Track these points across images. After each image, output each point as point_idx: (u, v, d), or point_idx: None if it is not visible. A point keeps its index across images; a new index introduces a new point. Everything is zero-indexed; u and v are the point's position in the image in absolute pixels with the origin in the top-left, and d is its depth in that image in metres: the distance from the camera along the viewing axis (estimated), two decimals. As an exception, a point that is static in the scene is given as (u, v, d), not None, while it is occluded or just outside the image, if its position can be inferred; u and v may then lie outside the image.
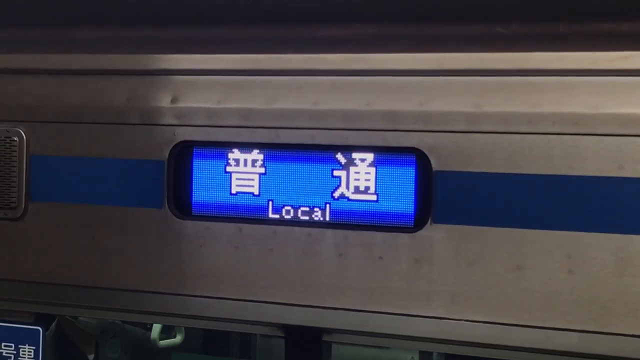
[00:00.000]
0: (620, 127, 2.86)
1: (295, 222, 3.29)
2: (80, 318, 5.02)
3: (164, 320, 4.45)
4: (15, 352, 3.75)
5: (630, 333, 2.83)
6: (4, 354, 3.76)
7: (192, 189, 3.44)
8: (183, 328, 5.21)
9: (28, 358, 3.75)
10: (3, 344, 3.77)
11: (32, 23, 3.81)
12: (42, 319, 3.91)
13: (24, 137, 3.60)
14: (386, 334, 3.21)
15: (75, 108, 3.57)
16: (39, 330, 3.76)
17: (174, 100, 3.43)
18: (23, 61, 3.71)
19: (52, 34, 3.75)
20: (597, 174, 2.90)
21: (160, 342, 5.33)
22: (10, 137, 3.60)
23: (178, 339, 5.35)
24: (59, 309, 3.98)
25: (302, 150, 3.27)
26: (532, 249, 2.98)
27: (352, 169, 3.21)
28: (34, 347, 3.74)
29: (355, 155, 3.21)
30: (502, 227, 3.01)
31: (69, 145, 3.58)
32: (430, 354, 4.42)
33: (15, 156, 3.60)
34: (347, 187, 3.22)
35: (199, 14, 3.58)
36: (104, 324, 5.19)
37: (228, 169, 3.37)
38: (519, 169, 2.98)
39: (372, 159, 3.18)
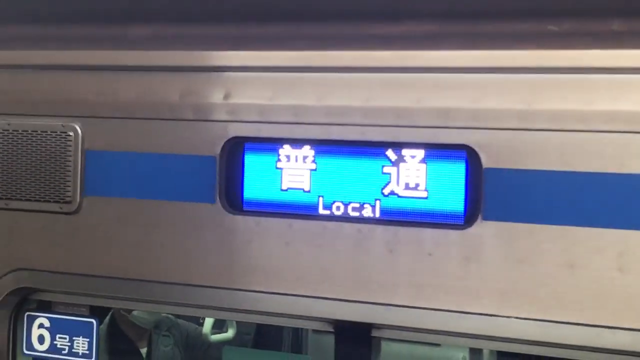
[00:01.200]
0: None
1: (345, 219, 3.29)
2: (134, 312, 5.10)
3: (215, 314, 4.54)
4: (69, 344, 3.78)
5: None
6: (58, 345, 3.79)
7: (243, 184, 3.46)
8: (235, 323, 5.27)
9: (82, 350, 3.76)
10: (58, 335, 3.79)
11: (88, 20, 3.82)
12: (96, 312, 3.93)
13: (79, 132, 3.62)
14: (436, 330, 3.21)
15: (129, 104, 3.60)
16: (93, 322, 3.80)
17: (226, 96, 3.45)
18: (79, 58, 3.71)
19: (107, 32, 3.75)
20: None
21: (212, 336, 5.46)
22: (66, 132, 3.62)
23: (230, 333, 5.44)
24: (112, 301, 4.04)
25: (352, 146, 3.27)
26: (583, 247, 2.95)
27: (402, 165, 3.21)
28: (87, 339, 3.77)
29: (405, 152, 3.21)
30: (553, 224, 2.98)
31: (123, 141, 3.61)
32: (480, 351, 4.40)
33: (71, 151, 3.63)
34: (397, 184, 3.21)
35: (251, 11, 3.58)
36: (157, 318, 5.31)
37: (279, 164, 3.39)
38: (571, 166, 2.96)
39: (422, 156, 3.19)
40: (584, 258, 2.95)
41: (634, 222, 2.88)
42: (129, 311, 5.16)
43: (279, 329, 5.59)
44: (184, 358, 5.56)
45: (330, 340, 3.82)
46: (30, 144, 3.70)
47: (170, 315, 5.39)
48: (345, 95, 3.32)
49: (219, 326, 5.53)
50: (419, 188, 3.19)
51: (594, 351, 2.99)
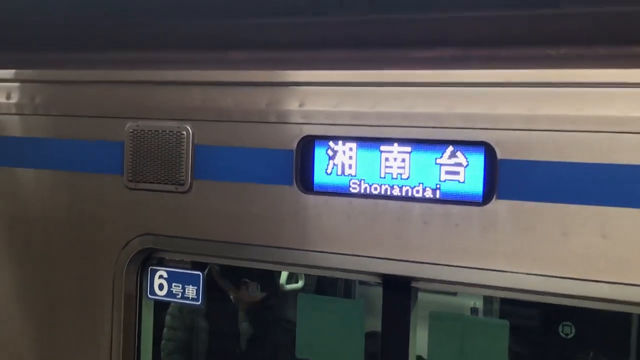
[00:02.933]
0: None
1: (389, 197, 3.28)
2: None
3: (291, 269, 4.58)
4: (182, 290, 3.83)
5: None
6: (173, 291, 3.84)
7: (313, 171, 3.45)
8: (303, 275, 5.31)
9: (191, 295, 3.82)
10: (173, 284, 3.83)
11: (197, 46, 3.86)
12: (200, 267, 4.00)
13: (190, 131, 3.64)
14: (459, 282, 3.22)
15: (228, 110, 3.61)
16: (199, 274, 3.85)
17: (300, 104, 3.46)
18: (190, 76, 3.75)
19: (211, 55, 3.79)
20: (620, 162, 2.88)
21: (287, 286, 5.44)
22: (180, 131, 3.65)
23: (300, 284, 5.41)
24: (212, 259, 4.08)
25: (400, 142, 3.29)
26: (574, 219, 2.95)
27: (438, 157, 3.23)
28: (195, 287, 3.83)
29: (441, 146, 3.22)
30: (551, 202, 2.98)
31: (223, 138, 3.62)
32: (491, 299, 4.38)
33: (184, 145, 3.65)
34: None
35: (318, 40, 3.61)
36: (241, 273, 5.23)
37: (341, 156, 3.39)
38: (565, 158, 2.97)
39: (451, 149, 3.19)
40: (575, 227, 2.95)
41: (613, 200, 2.89)
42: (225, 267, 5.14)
43: (334, 281, 5.58)
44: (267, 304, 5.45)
45: (372, 289, 3.87)
46: (153, 140, 3.72)
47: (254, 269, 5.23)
48: (392, 104, 3.30)
49: (291, 278, 5.47)
50: (450, 174, 3.20)
51: (581, 299, 3.02)
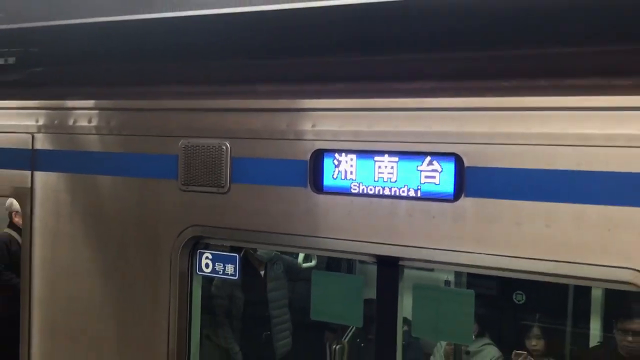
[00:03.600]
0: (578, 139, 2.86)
1: (382, 196, 3.26)
2: (258, 251, 5.20)
3: (305, 251, 4.64)
4: (223, 267, 3.82)
5: (588, 262, 2.82)
6: (216, 269, 3.81)
7: (323, 176, 3.43)
8: (316, 256, 5.33)
9: (230, 271, 3.81)
10: (216, 263, 3.81)
11: (230, 80, 3.86)
12: (236, 250, 3.99)
13: (228, 146, 3.63)
14: (436, 261, 3.19)
15: (257, 130, 3.59)
16: (236, 256, 3.84)
17: (313, 125, 3.45)
18: (228, 104, 3.74)
19: (243, 88, 3.77)
20: (558, 168, 2.87)
21: (303, 264, 5.50)
22: (221, 147, 3.64)
23: (313, 263, 5.46)
24: (246, 244, 4.08)
25: (392, 154, 3.28)
26: (524, 212, 2.93)
27: (418, 165, 3.22)
28: (233, 265, 3.82)
29: (420, 157, 3.20)
30: (506, 199, 2.97)
31: (254, 151, 3.59)
32: (461, 274, 4.38)
33: (224, 157, 3.64)
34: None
35: (326, 75, 3.61)
36: (271, 255, 5.36)
37: (344, 164, 3.38)
38: (514, 165, 2.97)
39: (429, 159, 3.17)
40: (525, 218, 2.94)
41: (554, 197, 2.87)
42: (255, 250, 5.19)
43: (339, 260, 5.52)
44: (286, 278, 5.56)
45: (369, 268, 3.85)
46: (200, 154, 3.71)
47: (278, 252, 5.40)
48: (383, 124, 3.29)
49: (307, 259, 5.56)
50: (429, 178, 3.18)
51: (530, 274, 3.00)
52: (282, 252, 5.48)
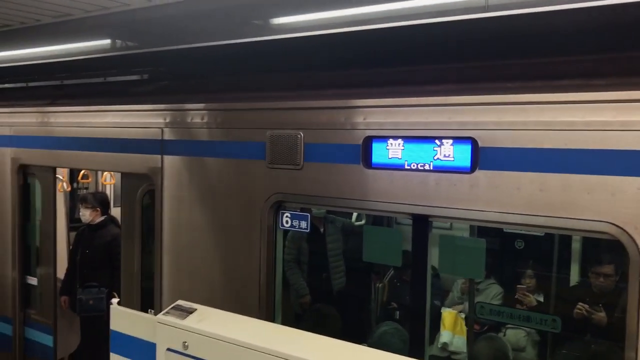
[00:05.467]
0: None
1: (416, 170, 3.25)
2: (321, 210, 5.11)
3: (358, 211, 4.54)
4: (297, 223, 3.83)
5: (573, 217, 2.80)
6: (293, 224, 3.84)
7: (372, 155, 3.42)
8: (365, 215, 5.22)
9: (302, 226, 3.81)
10: (293, 220, 3.82)
11: (304, 88, 3.91)
12: (307, 211, 3.94)
13: (302, 135, 3.66)
14: (457, 217, 3.16)
15: (323, 123, 3.60)
16: (307, 215, 3.83)
17: (364, 118, 3.45)
18: (301, 105, 3.71)
19: (309, 93, 3.74)
20: (549, 147, 2.81)
21: (355, 222, 5.49)
22: (296, 135, 3.67)
23: (363, 221, 5.40)
24: (316, 207, 4.12)
25: (420, 139, 3.28)
26: (523, 180, 2.90)
27: (442, 146, 3.21)
28: (305, 222, 3.82)
29: (444, 140, 3.19)
30: (512, 171, 2.94)
31: (319, 138, 3.57)
32: (475, 228, 4.28)
33: (299, 143, 3.66)
34: (441, 154, 3.21)
35: (372, 82, 3.62)
36: (327, 215, 5.30)
37: (387, 147, 3.38)
38: (519, 145, 2.94)
39: (451, 142, 3.17)
40: (523, 184, 2.91)
41: (546, 168, 2.85)
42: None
43: (382, 218, 5.27)
44: (340, 233, 5.51)
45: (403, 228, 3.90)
46: (282, 141, 3.72)
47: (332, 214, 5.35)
48: (416, 116, 3.29)
49: (359, 218, 5.48)
50: (450, 156, 3.19)
51: (528, 226, 2.99)
52: (336, 214, 5.45)
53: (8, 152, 5.49)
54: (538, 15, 2.78)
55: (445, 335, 4.88)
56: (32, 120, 5.30)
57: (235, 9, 3.83)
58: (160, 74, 4.85)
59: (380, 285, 5.45)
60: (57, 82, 5.63)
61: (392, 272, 5.42)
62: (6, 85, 6.18)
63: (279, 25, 3.73)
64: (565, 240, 4.78)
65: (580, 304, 3.89)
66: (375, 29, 3.25)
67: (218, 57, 4.18)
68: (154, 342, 3.20)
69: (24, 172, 5.42)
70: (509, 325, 4.53)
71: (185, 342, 3.04)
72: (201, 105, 4.23)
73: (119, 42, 4.43)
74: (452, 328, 4.93)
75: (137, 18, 4.17)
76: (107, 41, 4.51)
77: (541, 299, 4.64)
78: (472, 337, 4.72)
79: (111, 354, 3.40)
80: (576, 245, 4.90)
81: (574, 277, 4.97)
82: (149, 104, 4.59)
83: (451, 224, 4.50)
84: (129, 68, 4.99)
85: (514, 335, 4.58)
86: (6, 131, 5.48)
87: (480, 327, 4.77)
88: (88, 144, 4.94)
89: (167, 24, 4.10)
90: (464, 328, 4.89)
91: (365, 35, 3.35)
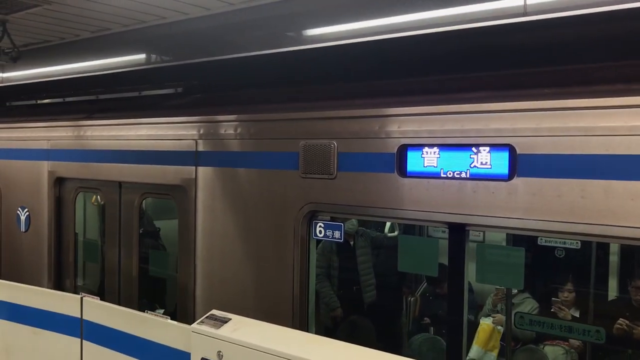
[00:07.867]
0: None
1: (452, 178, 3.23)
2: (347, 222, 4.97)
3: (392, 220, 4.53)
4: (331, 232, 3.82)
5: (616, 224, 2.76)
6: (327, 233, 3.82)
7: (406, 164, 3.41)
8: (398, 225, 5.18)
9: (336, 236, 3.80)
10: (327, 230, 3.83)
11: (336, 98, 3.94)
12: (342, 220, 3.88)
13: (336, 144, 3.67)
14: (494, 225, 3.13)
15: (357, 132, 3.60)
16: (341, 225, 3.81)
17: (398, 127, 3.46)
18: (334, 114, 3.76)
19: (343, 103, 3.79)
20: (589, 153, 2.81)
21: (389, 234, 5.43)
22: (330, 145, 3.69)
23: (396, 233, 5.39)
24: (344, 216, 3.91)
25: (456, 147, 3.27)
26: (563, 187, 2.88)
27: (479, 153, 3.20)
28: (339, 232, 3.80)
29: (481, 147, 3.18)
30: (550, 178, 2.93)
31: (353, 147, 3.60)
32: (512, 235, 4.20)
33: (332, 152, 3.68)
34: (478, 162, 3.20)
35: (406, 92, 3.65)
36: (357, 227, 5.24)
37: (423, 155, 3.37)
38: (556, 152, 2.92)
39: (488, 149, 3.16)
40: (565, 191, 2.89)
41: (587, 175, 2.82)
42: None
43: (416, 227, 5.24)
44: (371, 247, 5.41)
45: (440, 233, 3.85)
46: (315, 150, 3.76)
47: (362, 227, 5.31)
48: (452, 124, 3.27)
49: (392, 229, 5.45)
50: (487, 164, 3.17)
51: (567, 234, 3.03)
52: (366, 227, 5.30)
53: (45, 165, 5.67)
54: (575, 19, 2.80)
55: (474, 350, 4.74)
56: (69, 134, 5.47)
57: (269, 21, 3.91)
58: (194, 87, 4.93)
59: (412, 298, 5.37)
60: (93, 97, 5.80)
61: (424, 286, 5.35)
62: (45, 101, 6.40)
63: (312, 36, 3.80)
64: (604, 249, 4.63)
65: (620, 319, 3.79)
66: (409, 36, 3.31)
67: (252, 68, 4.28)
68: (188, 351, 3.22)
69: (59, 184, 5.58)
70: (546, 342, 4.41)
71: (220, 351, 3.06)
72: (234, 117, 4.35)
73: (154, 56, 4.55)
74: (484, 344, 4.77)
75: (173, 31, 4.27)
76: (143, 55, 4.63)
77: (577, 314, 4.50)
78: (510, 353, 4.60)
79: None
80: (614, 259, 4.77)
81: (612, 291, 4.83)
82: (183, 115, 4.67)
83: (483, 234, 4.42)
84: (163, 81, 5.08)
85: (552, 352, 4.45)
86: (44, 145, 5.68)
87: (515, 343, 4.64)
88: (122, 157, 5.05)
89: (202, 36, 4.20)
90: (498, 343, 4.75)
91: (399, 43, 3.41)
